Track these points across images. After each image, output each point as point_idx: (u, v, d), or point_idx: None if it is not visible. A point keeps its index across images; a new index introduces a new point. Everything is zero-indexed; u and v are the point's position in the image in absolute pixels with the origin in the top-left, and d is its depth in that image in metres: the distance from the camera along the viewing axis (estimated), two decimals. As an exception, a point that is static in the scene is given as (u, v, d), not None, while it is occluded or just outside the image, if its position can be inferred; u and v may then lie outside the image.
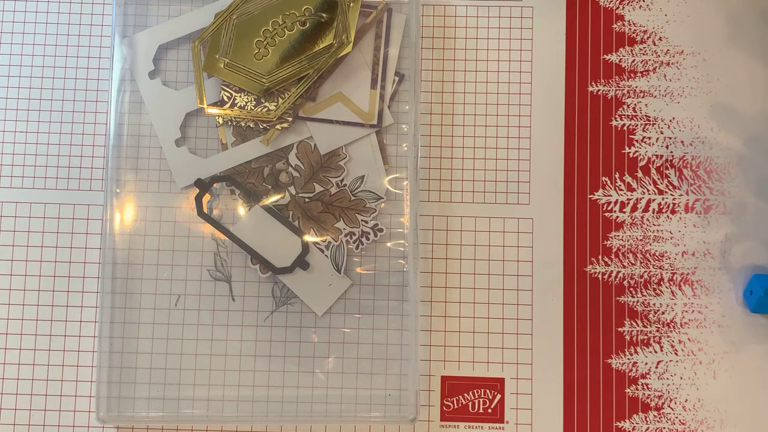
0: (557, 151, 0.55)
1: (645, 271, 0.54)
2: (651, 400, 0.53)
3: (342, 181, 0.54)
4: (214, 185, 0.54)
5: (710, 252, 0.54)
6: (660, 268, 0.54)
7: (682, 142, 0.55)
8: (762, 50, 0.56)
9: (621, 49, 0.56)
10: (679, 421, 0.53)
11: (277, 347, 0.53)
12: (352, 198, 0.54)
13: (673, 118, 0.55)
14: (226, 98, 0.54)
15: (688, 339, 0.53)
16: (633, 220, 0.54)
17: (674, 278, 0.54)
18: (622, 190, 0.55)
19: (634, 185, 0.55)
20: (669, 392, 0.53)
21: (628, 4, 0.56)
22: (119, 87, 0.54)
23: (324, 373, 0.52)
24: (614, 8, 0.56)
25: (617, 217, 0.54)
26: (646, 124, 0.55)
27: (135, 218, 0.53)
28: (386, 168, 0.54)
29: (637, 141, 0.55)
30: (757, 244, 0.54)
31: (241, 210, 0.54)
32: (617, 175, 0.55)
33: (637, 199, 0.55)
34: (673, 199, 0.55)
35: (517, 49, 0.56)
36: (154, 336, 0.53)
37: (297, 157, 0.54)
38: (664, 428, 0.53)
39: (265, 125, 0.54)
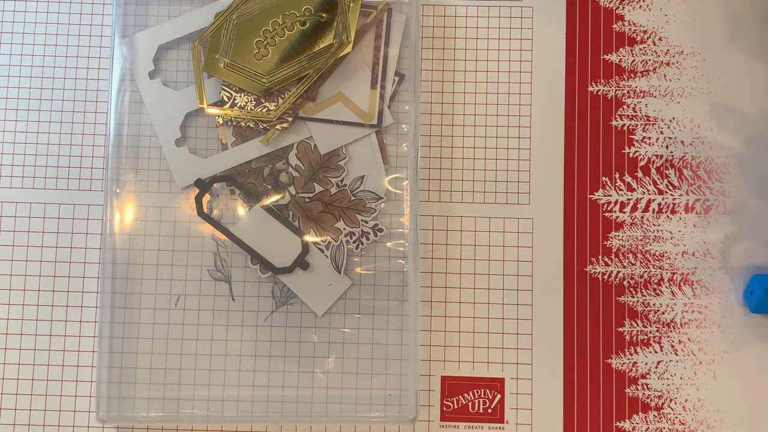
0: (557, 151, 0.55)
1: (645, 271, 0.54)
2: (651, 400, 0.53)
3: (342, 181, 0.54)
4: (214, 185, 0.54)
5: (710, 252, 0.54)
6: (660, 268, 0.54)
7: (682, 142, 0.55)
8: (762, 50, 0.56)
9: (621, 49, 0.56)
10: (679, 421, 0.53)
11: (277, 347, 0.53)
12: (352, 198, 0.54)
13: (673, 118, 0.55)
14: (226, 98, 0.54)
15: (688, 339, 0.53)
16: (633, 220, 0.54)
17: (674, 278, 0.54)
18: (622, 190, 0.55)
19: (634, 185, 0.55)
20: (669, 392, 0.53)
21: (628, 4, 0.56)
22: (119, 87, 0.54)
23: (324, 373, 0.52)
24: (614, 8, 0.56)
25: (617, 217, 0.54)
26: (646, 124, 0.55)
27: (135, 218, 0.53)
28: (386, 168, 0.54)
29: (637, 141, 0.55)
30: (757, 244, 0.54)
31: (241, 210, 0.54)
32: (617, 175, 0.55)
33: (637, 199, 0.55)
34: (673, 199, 0.55)
35: (517, 49, 0.56)
36: (154, 336, 0.53)
37: (297, 157, 0.54)
38: (664, 428, 0.53)
39: (265, 125, 0.54)
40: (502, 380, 0.53)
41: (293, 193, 0.54)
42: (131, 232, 0.53)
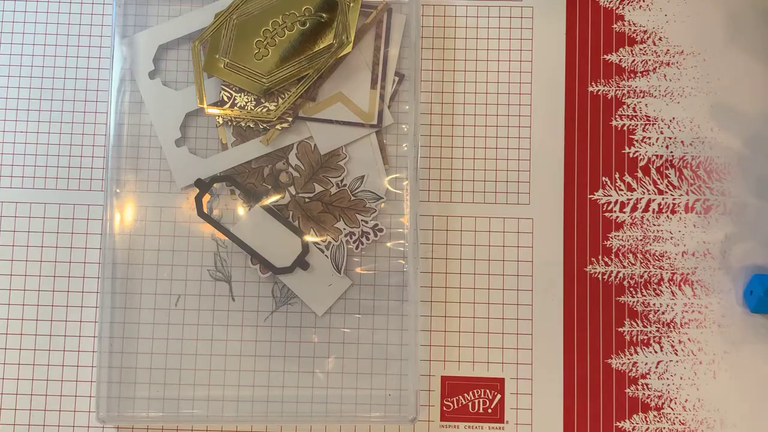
0: (557, 151, 0.55)
1: (645, 271, 0.54)
2: (651, 400, 0.53)
3: (342, 181, 0.54)
4: (214, 185, 0.54)
5: (710, 252, 0.54)
6: (660, 268, 0.54)
7: (682, 142, 0.55)
8: (762, 50, 0.56)
9: (621, 49, 0.56)
10: (679, 421, 0.53)
11: (277, 347, 0.53)
12: (352, 198, 0.54)
13: (673, 118, 0.55)
14: (226, 98, 0.54)
15: (688, 339, 0.53)
16: (633, 220, 0.54)
17: (674, 278, 0.54)
18: (622, 190, 0.55)
19: (634, 185, 0.55)
20: (669, 392, 0.53)
21: (628, 4, 0.56)
22: (119, 87, 0.54)
23: (324, 373, 0.52)
24: (614, 8, 0.56)
25: (617, 217, 0.54)
26: (646, 124, 0.55)
27: (135, 218, 0.53)
28: (386, 168, 0.54)
29: (637, 141, 0.55)
30: (757, 244, 0.54)
31: (241, 210, 0.54)
32: (617, 175, 0.55)
33: (637, 199, 0.55)
34: (673, 199, 0.55)
35: (517, 49, 0.56)
36: (154, 336, 0.53)
37: (297, 157, 0.54)
38: (664, 428, 0.53)
39: (265, 125, 0.54)
40: (502, 380, 0.53)
41: (293, 193, 0.54)
42: (131, 232, 0.53)
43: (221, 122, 0.54)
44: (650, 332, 0.53)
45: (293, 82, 0.54)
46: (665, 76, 0.56)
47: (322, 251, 0.53)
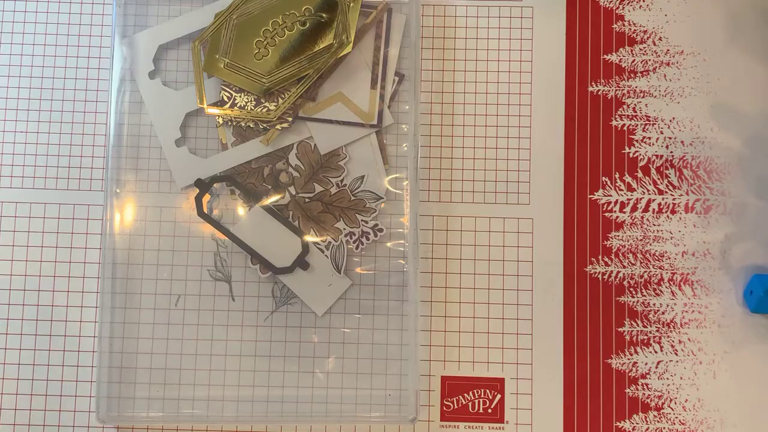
0: (557, 151, 0.55)
1: (645, 271, 0.54)
2: (651, 400, 0.53)
3: (342, 181, 0.54)
4: (214, 185, 0.54)
5: (710, 252, 0.54)
6: (660, 268, 0.54)
7: (682, 142, 0.55)
8: (762, 50, 0.56)
9: (621, 49, 0.56)
10: (679, 421, 0.53)
11: (277, 347, 0.53)
12: (352, 198, 0.54)
13: (673, 118, 0.55)
14: (226, 98, 0.54)
15: (688, 339, 0.53)
16: (633, 220, 0.54)
17: (674, 278, 0.54)
18: (622, 190, 0.55)
19: (634, 185, 0.55)
20: (669, 392, 0.53)
21: (628, 4, 0.56)
22: (119, 87, 0.54)
23: (324, 373, 0.52)
24: (614, 8, 0.56)
25: (617, 217, 0.54)
26: (646, 124, 0.55)
27: (135, 218, 0.53)
28: (386, 168, 0.54)
29: (637, 141, 0.55)
30: (757, 244, 0.54)
31: (241, 210, 0.54)
32: (617, 175, 0.55)
33: (637, 199, 0.55)
34: (673, 199, 0.55)
35: (517, 49, 0.56)
36: (154, 336, 0.53)
37: (297, 157, 0.54)
38: (664, 428, 0.53)
39: (265, 125, 0.54)
40: (502, 380, 0.53)
41: (293, 193, 0.54)
42: (131, 232, 0.53)
43: (221, 122, 0.54)
44: (650, 332, 0.53)
45: (293, 82, 0.54)
46: (665, 76, 0.56)
47: (322, 251, 0.53)
